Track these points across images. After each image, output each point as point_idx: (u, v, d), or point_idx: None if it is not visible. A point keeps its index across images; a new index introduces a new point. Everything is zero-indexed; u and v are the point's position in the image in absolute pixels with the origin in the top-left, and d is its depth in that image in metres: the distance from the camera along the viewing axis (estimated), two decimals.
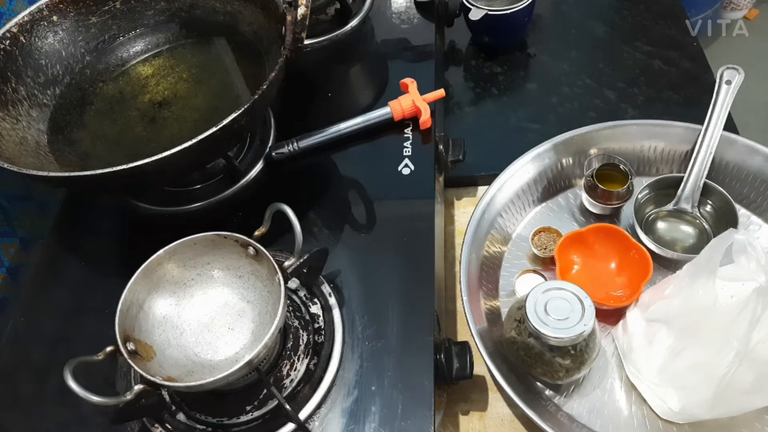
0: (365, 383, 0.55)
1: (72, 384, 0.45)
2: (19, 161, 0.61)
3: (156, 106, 0.72)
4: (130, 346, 0.50)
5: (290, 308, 0.59)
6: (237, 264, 0.56)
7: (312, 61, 0.83)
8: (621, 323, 0.64)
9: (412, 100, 0.71)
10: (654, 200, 0.72)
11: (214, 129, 0.54)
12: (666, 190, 0.71)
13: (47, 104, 0.70)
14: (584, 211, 0.74)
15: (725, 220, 0.67)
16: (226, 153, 0.69)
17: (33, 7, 0.69)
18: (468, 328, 0.61)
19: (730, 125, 0.73)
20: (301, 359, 0.56)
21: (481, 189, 0.81)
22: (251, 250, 0.54)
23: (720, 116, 0.70)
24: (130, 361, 0.48)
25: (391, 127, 0.72)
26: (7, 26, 0.67)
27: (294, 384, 0.55)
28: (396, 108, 0.71)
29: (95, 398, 0.46)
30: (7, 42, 0.67)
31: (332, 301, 0.59)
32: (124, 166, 0.53)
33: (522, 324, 0.57)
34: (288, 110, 0.78)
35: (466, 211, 0.79)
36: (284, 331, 0.57)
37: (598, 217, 0.73)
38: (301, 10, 0.61)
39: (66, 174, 0.55)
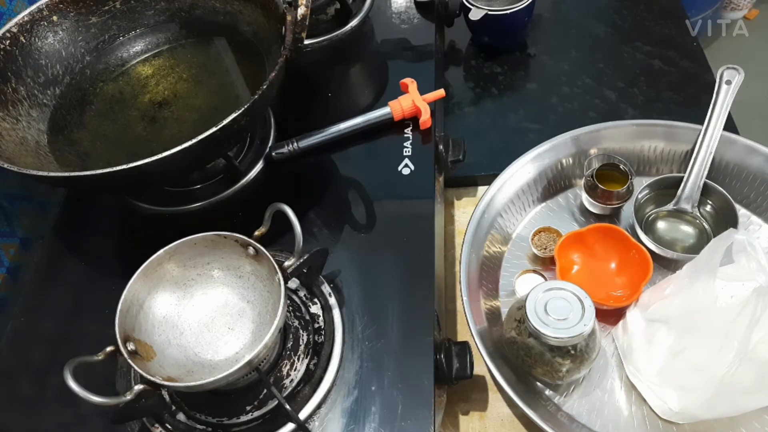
0: (365, 383, 0.55)
1: (72, 384, 0.45)
2: (19, 161, 0.61)
3: (156, 106, 0.72)
4: (130, 346, 0.49)
5: (290, 308, 0.59)
6: (237, 264, 0.56)
7: (312, 61, 0.83)
8: (621, 323, 0.64)
9: (412, 100, 0.71)
10: (654, 200, 0.72)
11: (214, 129, 0.54)
12: (666, 190, 0.71)
13: (47, 104, 0.70)
14: (584, 211, 0.74)
15: (725, 220, 0.67)
16: (226, 153, 0.69)
17: (33, 7, 0.69)
18: (468, 328, 0.61)
19: (730, 125, 0.73)
20: (301, 359, 0.56)
21: (481, 189, 0.81)
22: (251, 250, 0.54)
23: (720, 116, 0.70)
24: (130, 361, 0.48)
25: (391, 127, 0.72)
26: (7, 26, 0.67)
27: (294, 384, 0.55)
28: (396, 108, 0.71)
29: (95, 398, 0.46)
30: (7, 42, 0.67)
31: (332, 301, 0.59)
32: (124, 166, 0.53)
33: (522, 324, 0.57)
34: (288, 110, 0.78)
35: (466, 211, 0.79)
36: (284, 331, 0.57)
37: (598, 217, 0.73)
38: (301, 10, 0.61)
39: (66, 174, 0.55)
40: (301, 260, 0.55)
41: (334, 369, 0.55)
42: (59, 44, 0.72)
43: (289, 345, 0.56)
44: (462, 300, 0.63)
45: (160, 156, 0.53)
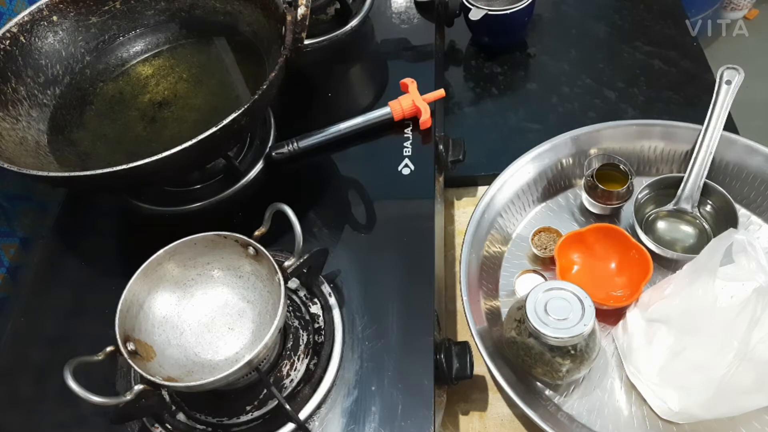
0: (365, 383, 0.55)
1: (72, 384, 0.45)
2: (19, 161, 0.61)
3: (156, 106, 0.72)
4: (130, 346, 0.50)
5: (290, 308, 0.59)
6: (237, 264, 0.56)
7: (312, 61, 0.83)
8: (621, 323, 0.64)
9: (412, 100, 0.71)
10: (654, 200, 0.72)
11: (214, 129, 0.54)
12: (666, 190, 0.71)
13: (47, 104, 0.70)
14: (584, 211, 0.74)
15: (725, 220, 0.67)
16: (226, 153, 0.69)
17: (33, 7, 0.69)
18: (468, 328, 0.61)
19: (730, 125, 0.73)
20: (301, 359, 0.56)
21: (481, 189, 0.81)
22: (251, 250, 0.54)
23: (720, 116, 0.70)
24: (130, 361, 0.48)
25: (391, 127, 0.72)
26: (7, 26, 0.67)
27: (294, 384, 0.55)
28: (396, 108, 0.71)
29: (95, 398, 0.46)
30: (7, 42, 0.67)
31: (332, 301, 0.59)
32: (124, 166, 0.53)
33: (522, 324, 0.57)
34: (288, 110, 0.78)
35: (466, 211, 0.79)
36: (284, 331, 0.57)
37: (598, 217, 0.73)
38: (301, 10, 0.61)
39: (66, 174, 0.55)
40: (301, 260, 0.55)
41: (334, 369, 0.55)
42: (59, 44, 0.72)
43: (289, 345, 0.56)
44: (462, 300, 0.63)
45: (160, 156, 0.53)
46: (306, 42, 0.71)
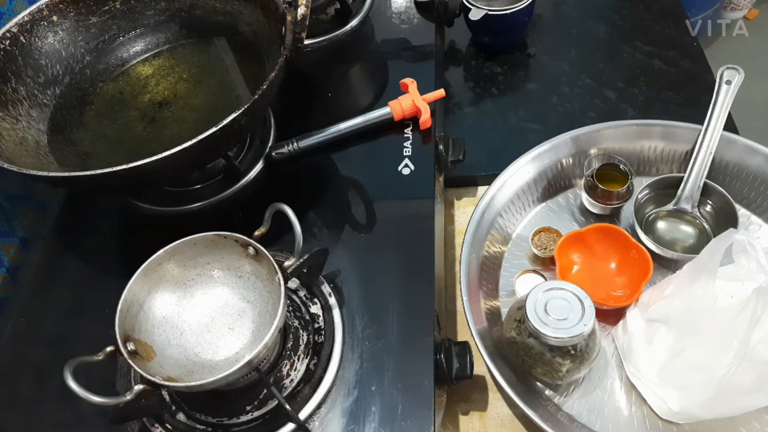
0: (365, 383, 0.55)
1: (72, 384, 0.45)
2: (19, 161, 0.61)
3: (156, 106, 0.72)
4: (130, 346, 0.50)
5: (290, 308, 0.59)
6: (237, 264, 0.56)
7: (312, 61, 0.83)
8: (621, 323, 0.64)
9: (412, 100, 0.71)
10: (654, 200, 0.72)
11: (214, 129, 0.54)
12: (666, 190, 0.71)
13: (47, 104, 0.70)
14: (584, 211, 0.74)
15: (725, 220, 0.67)
16: (226, 153, 0.69)
17: (33, 7, 0.69)
18: (468, 328, 0.61)
19: (730, 125, 0.73)
20: (301, 359, 0.56)
21: (481, 189, 0.81)
22: (251, 250, 0.54)
23: (720, 116, 0.70)
24: (130, 361, 0.48)
25: (391, 127, 0.72)
26: (7, 26, 0.67)
27: (294, 384, 0.55)
28: (396, 108, 0.71)
29: (95, 398, 0.46)
30: (7, 42, 0.67)
31: (332, 301, 0.59)
32: (124, 166, 0.53)
33: (522, 324, 0.57)
34: (288, 110, 0.78)
35: (466, 211, 0.79)
36: (284, 331, 0.57)
37: (598, 217, 0.73)
38: (301, 10, 0.61)
39: (66, 174, 0.55)
40: (301, 260, 0.55)
41: (334, 369, 0.55)
42: (59, 44, 0.72)
43: (289, 345, 0.56)
44: (462, 300, 0.63)
45: (159, 156, 0.53)
46: (306, 42, 0.71)
